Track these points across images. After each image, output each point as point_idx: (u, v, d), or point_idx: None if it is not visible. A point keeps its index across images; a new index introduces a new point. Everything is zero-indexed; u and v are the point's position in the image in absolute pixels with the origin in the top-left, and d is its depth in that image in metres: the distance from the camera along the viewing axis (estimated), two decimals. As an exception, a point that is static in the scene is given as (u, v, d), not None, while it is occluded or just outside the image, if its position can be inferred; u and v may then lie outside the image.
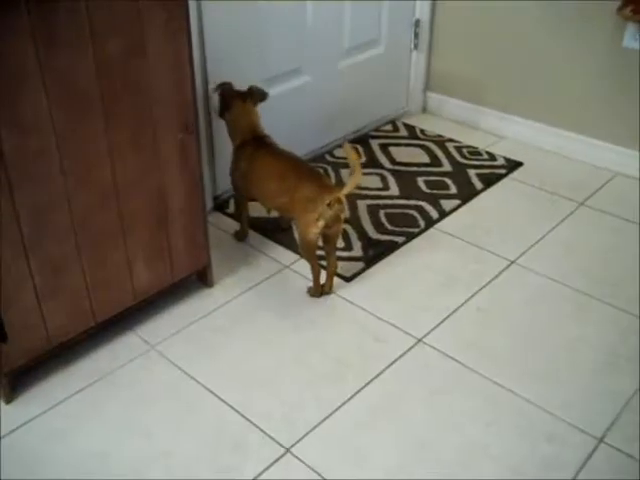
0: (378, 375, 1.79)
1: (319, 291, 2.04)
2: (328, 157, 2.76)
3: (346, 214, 2.12)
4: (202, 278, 2.07)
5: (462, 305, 2.02)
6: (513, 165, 2.72)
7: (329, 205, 1.88)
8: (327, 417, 1.67)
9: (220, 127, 2.32)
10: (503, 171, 2.68)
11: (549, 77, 2.75)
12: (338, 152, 2.78)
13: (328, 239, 2.00)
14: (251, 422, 1.65)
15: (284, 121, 2.52)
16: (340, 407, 1.70)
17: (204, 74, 2.24)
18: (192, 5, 1.88)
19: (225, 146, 2.29)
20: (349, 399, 1.72)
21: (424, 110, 3.16)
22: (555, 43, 2.69)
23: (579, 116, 2.73)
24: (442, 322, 1.96)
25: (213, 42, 2.22)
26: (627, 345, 1.87)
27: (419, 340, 1.90)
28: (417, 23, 2.93)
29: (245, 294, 2.07)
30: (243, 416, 1.67)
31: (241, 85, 2.13)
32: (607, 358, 1.83)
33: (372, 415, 1.68)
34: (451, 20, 2.92)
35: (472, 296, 2.06)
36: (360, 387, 1.75)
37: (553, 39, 2.69)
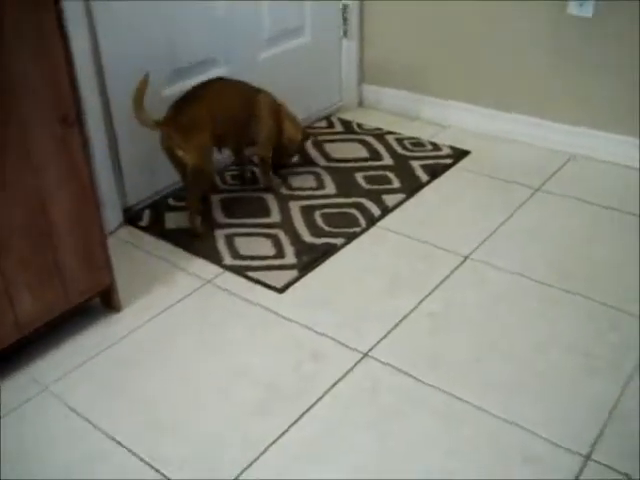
0: (318, 400, 1.50)
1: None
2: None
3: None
4: (107, 301, 1.75)
5: (412, 311, 1.74)
6: (459, 154, 2.47)
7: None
8: (258, 457, 1.37)
9: (124, 126, 2.02)
10: (449, 161, 2.43)
11: (492, 57, 2.52)
12: (267, 153, 2.50)
13: None
14: (164, 476, 1.34)
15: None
16: (274, 442, 1.40)
17: (98, 65, 1.94)
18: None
19: (135, 147, 2.00)
20: (283, 433, 1.42)
21: (360, 104, 2.90)
22: (496, 19, 2.46)
23: (527, 96, 2.50)
24: (390, 332, 1.68)
25: (106, 27, 1.92)
26: (605, 344, 1.61)
27: (365, 354, 1.62)
28: (345, 8, 2.68)
29: (159, 316, 1.76)
30: (154, 468, 1.36)
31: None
32: (584, 360, 1.57)
33: (312, 450, 1.38)
34: (381, 3, 2.68)
35: (423, 299, 1.78)
36: (296, 417, 1.45)
37: (493, 16, 2.46)
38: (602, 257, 1.91)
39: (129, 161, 2.11)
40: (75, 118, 1.48)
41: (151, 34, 2.04)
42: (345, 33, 2.72)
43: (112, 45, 1.95)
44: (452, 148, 2.50)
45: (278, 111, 2.20)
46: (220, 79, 2.09)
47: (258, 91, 2.15)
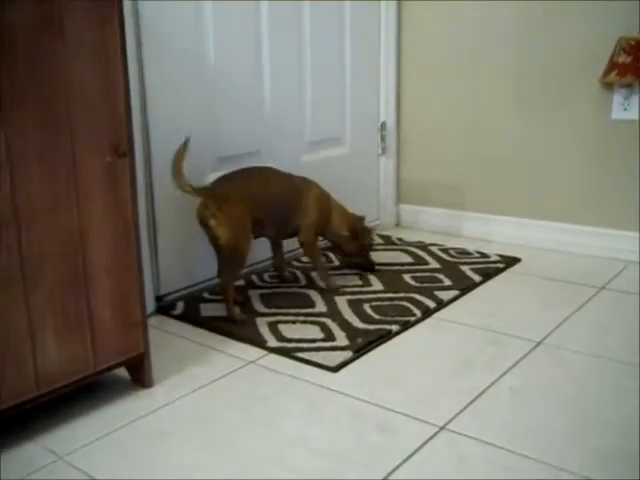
0: (393, 471, 1.23)
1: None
2: (295, 262, 2.34)
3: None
4: (136, 374, 1.53)
5: (489, 387, 1.51)
6: (510, 260, 2.34)
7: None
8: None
9: (166, 212, 1.93)
10: (501, 265, 2.29)
11: (534, 167, 2.48)
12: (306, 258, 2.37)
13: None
14: None
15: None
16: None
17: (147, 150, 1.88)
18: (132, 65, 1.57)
19: (174, 234, 1.90)
20: (355, 502, 1.14)
21: (398, 224, 2.83)
22: (533, 129, 2.45)
23: (575, 204, 2.42)
24: (467, 407, 1.44)
25: (156, 117, 1.89)
26: None
27: (442, 427, 1.36)
28: (383, 126, 2.69)
29: (196, 392, 1.52)
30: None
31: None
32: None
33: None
34: (418, 122, 2.70)
35: (500, 377, 1.55)
36: (369, 487, 1.18)
37: (530, 125, 2.46)
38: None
39: (166, 247, 1.98)
40: (127, 149, 1.38)
41: (198, 120, 2.01)
42: (383, 150, 2.71)
43: (160, 125, 1.91)
44: (501, 256, 2.37)
45: (327, 203, 2.10)
46: (270, 168, 2.04)
47: (308, 182, 2.07)
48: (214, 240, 1.86)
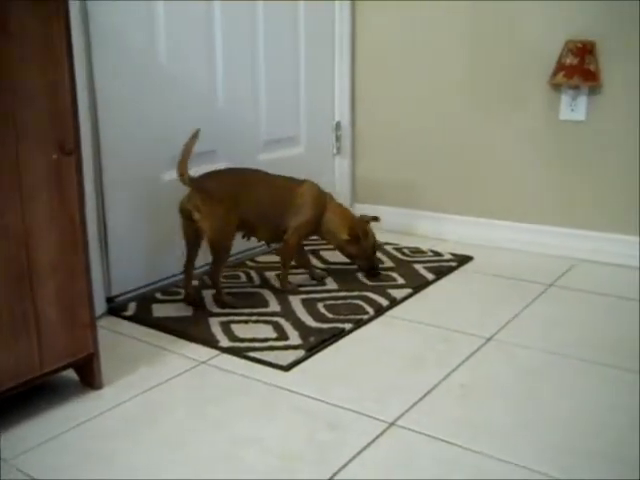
0: (342, 468, 1.24)
1: None
2: (249, 262, 2.34)
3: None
4: (85, 376, 1.50)
5: (439, 383, 1.53)
6: (463, 259, 2.37)
7: None
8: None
9: (118, 212, 1.91)
10: (453, 264, 2.31)
11: (486, 168, 2.52)
12: (261, 258, 2.37)
13: None
14: None
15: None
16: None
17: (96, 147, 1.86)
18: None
19: (123, 237, 1.89)
20: (304, 499, 1.15)
21: (353, 223, 2.84)
22: (486, 129, 2.50)
23: (525, 204, 2.47)
24: (417, 402, 1.45)
25: (106, 116, 1.87)
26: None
27: (391, 424, 1.38)
28: (338, 126, 2.70)
29: (147, 393, 1.50)
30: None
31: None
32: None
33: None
34: (372, 121, 2.72)
35: (450, 373, 1.57)
36: (320, 483, 1.19)
37: (483, 125, 2.50)
38: (624, 335, 1.76)
39: (117, 248, 1.95)
40: (74, 146, 1.36)
41: (151, 119, 1.99)
42: (338, 150, 2.73)
43: (111, 124, 1.89)
44: (454, 255, 2.40)
45: (321, 204, 2.06)
46: (258, 170, 2.02)
47: (303, 182, 2.05)
48: (195, 232, 1.87)
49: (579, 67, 2.23)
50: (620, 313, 1.93)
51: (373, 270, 2.16)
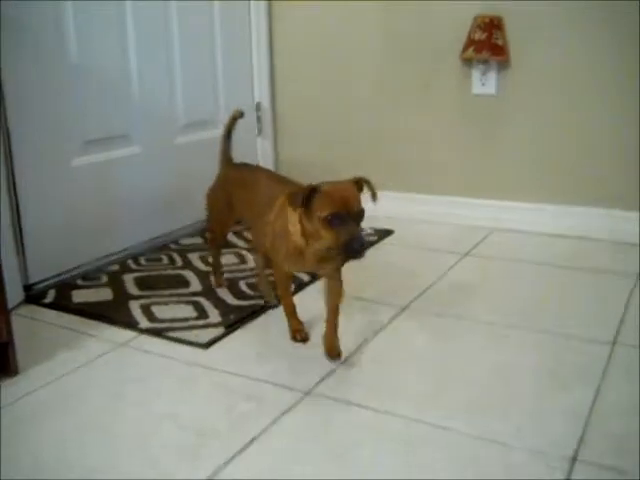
0: (257, 437, 1.27)
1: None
2: (173, 245, 2.34)
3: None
4: (0, 364, 1.50)
5: (354, 353, 1.58)
6: (383, 233, 2.43)
7: None
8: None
9: (32, 200, 1.88)
10: (374, 238, 2.37)
11: (403, 143, 2.58)
12: (185, 240, 2.38)
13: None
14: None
15: (116, 197, 2.14)
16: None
17: (4, 129, 1.82)
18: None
19: (40, 224, 1.86)
20: (216, 471, 1.18)
21: (278, 203, 2.87)
22: (404, 107, 2.55)
23: (443, 177, 2.54)
24: (333, 372, 1.50)
25: (14, 91, 1.83)
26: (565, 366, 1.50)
27: (306, 393, 1.42)
28: (258, 106, 2.71)
29: (65, 377, 1.51)
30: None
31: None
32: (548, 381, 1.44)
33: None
34: (292, 102, 2.74)
35: (365, 340, 1.63)
36: (233, 453, 1.22)
37: (401, 104, 2.56)
38: (536, 297, 1.85)
39: (33, 236, 1.93)
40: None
41: (62, 104, 1.97)
42: (259, 131, 2.74)
43: (19, 111, 1.86)
44: (375, 229, 2.46)
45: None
46: (267, 171, 1.94)
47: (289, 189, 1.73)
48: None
49: (487, 42, 2.30)
50: (530, 277, 2.03)
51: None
